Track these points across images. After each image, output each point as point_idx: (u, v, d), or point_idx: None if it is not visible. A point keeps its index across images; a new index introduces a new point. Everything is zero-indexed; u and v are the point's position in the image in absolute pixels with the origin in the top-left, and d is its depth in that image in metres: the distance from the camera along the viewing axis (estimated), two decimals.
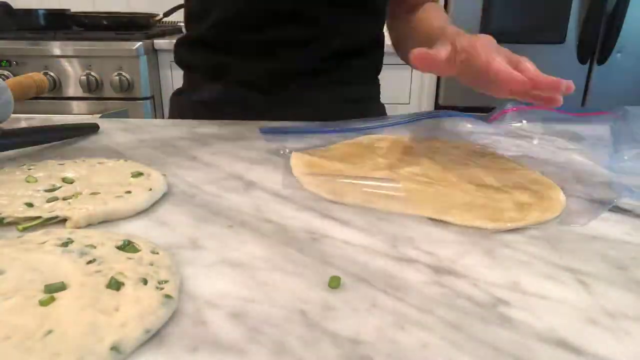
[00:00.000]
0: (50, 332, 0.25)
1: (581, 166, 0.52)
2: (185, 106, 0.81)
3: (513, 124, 0.65)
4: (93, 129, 0.64)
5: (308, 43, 0.72)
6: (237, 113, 0.71)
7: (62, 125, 0.62)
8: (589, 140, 0.59)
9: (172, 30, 2.02)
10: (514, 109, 0.67)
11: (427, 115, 0.71)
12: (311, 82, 0.70)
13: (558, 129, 0.63)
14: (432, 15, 0.71)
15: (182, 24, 1.86)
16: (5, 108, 0.64)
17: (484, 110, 0.69)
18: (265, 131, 0.63)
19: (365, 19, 0.76)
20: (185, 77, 0.83)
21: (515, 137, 0.61)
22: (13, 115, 0.66)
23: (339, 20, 0.73)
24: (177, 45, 0.82)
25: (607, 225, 0.40)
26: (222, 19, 0.72)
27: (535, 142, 0.60)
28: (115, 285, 0.29)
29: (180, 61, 0.82)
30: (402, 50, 0.80)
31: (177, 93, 0.85)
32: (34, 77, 0.70)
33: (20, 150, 0.55)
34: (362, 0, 0.73)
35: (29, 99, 0.69)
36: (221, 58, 0.74)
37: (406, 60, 0.73)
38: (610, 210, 0.43)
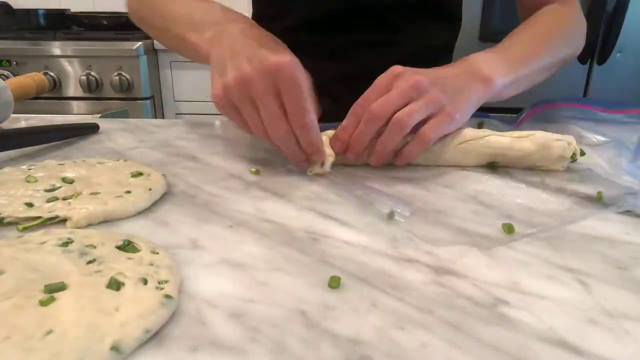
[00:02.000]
0: (50, 332, 0.25)
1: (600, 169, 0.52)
2: None
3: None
4: (93, 129, 0.64)
5: (383, 46, 0.72)
6: None
7: (62, 125, 0.62)
8: (612, 142, 0.57)
9: None
10: (541, 107, 0.64)
11: None
12: None
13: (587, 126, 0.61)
14: (526, 25, 0.67)
15: None
16: (5, 108, 0.64)
17: (511, 111, 0.66)
18: None
19: (441, 26, 0.77)
20: None
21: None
22: (13, 115, 0.66)
23: (415, 24, 0.73)
24: None
25: (607, 225, 0.40)
26: (300, 20, 0.71)
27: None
28: (115, 285, 0.29)
29: None
30: None
31: None
32: (34, 77, 0.70)
33: (20, 150, 0.55)
34: (438, 6, 0.74)
35: (29, 99, 0.69)
36: None
37: None
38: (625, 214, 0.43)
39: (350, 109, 0.50)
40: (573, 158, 0.51)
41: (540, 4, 0.70)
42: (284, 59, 0.44)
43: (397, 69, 0.50)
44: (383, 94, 0.49)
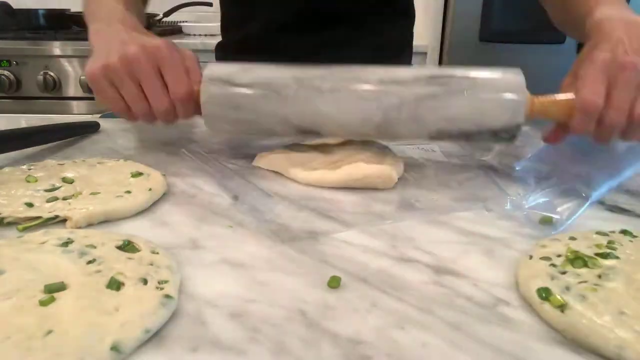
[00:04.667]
0: (50, 332, 0.25)
1: None
2: None
3: None
4: (93, 127, 0.64)
5: (348, 44, 0.76)
6: None
7: (62, 125, 0.62)
8: None
9: (172, 30, 2.02)
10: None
11: None
12: None
13: None
14: None
15: (185, 24, 1.85)
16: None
17: None
18: None
19: (397, 21, 0.82)
20: None
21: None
22: (13, 115, 0.66)
23: (374, 21, 0.78)
24: (216, 49, 0.88)
25: (606, 225, 0.40)
26: (265, 23, 0.75)
27: None
28: (115, 285, 0.29)
29: None
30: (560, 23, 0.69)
31: None
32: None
33: (20, 150, 0.55)
34: (392, 3, 0.80)
35: None
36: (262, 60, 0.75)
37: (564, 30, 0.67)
38: (610, 210, 0.43)
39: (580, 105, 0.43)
40: None
41: None
42: (160, 42, 0.50)
43: (602, 55, 0.44)
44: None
